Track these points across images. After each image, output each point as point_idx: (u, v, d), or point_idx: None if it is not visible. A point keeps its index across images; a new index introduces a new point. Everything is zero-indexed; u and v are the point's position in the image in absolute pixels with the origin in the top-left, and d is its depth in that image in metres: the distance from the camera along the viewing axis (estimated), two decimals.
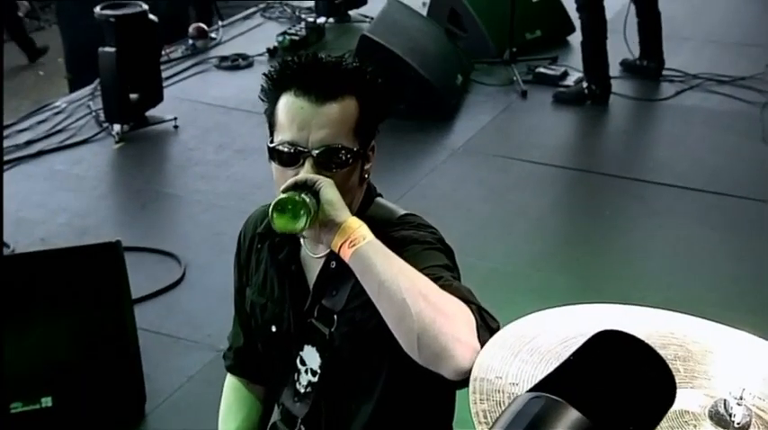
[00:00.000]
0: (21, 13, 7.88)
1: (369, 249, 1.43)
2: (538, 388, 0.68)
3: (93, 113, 5.30)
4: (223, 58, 6.04)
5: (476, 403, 0.82)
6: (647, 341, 0.84)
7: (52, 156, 4.92)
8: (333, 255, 1.57)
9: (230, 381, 1.96)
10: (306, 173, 1.53)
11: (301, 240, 1.69)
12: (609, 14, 5.37)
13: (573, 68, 5.72)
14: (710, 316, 1.05)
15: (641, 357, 0.71)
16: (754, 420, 0.83)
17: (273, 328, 1.75)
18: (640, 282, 3.83)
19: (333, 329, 1.65)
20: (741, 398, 0.81)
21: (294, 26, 6.40)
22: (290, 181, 1.50)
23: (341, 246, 1.45)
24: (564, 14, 6.16)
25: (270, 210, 1.47)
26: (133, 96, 4.95)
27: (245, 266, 1.83)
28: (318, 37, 6.37)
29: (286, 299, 1.71)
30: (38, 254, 3.05)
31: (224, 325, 3.55)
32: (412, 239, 1.60)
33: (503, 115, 5.39)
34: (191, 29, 6.25)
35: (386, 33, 5.36)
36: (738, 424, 0.83)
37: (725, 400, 0.81)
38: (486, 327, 1.31)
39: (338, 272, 1.54)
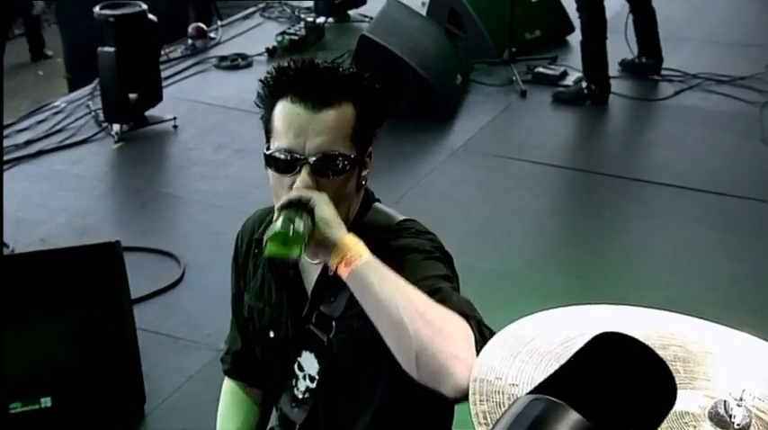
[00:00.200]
0: (36, 12, 7.89)
1: (365, 269, 1.42)
2: (538, 390, 0.68)
3: (93, 113, 5.30)
4: (222, 58, 6.04)
5: (476, 404, 0.82)
6: (647, 342, 0.84)
7: (52, 156, 4.91)
8: None
9: (228, 385, 1.95)
10: (302, 181, 1.52)
11: None
12: (609, 14, 5.37)
13: (572, 68, 5.72)
14: (710, 316, 1.04)
15: (641, 359, 0.71)
16: (754, 421, 0.83)
17: (271, 334, 1.74)
18: (640, 283, 3.83)
19: (331, 336, 1.64)
20: (741, 399, 0.81)
21: (293, 26, 6.40)
22: (284, 199, 1.49)
23: (337, 265, 1.44)
24: (563, 14, 6.16)
25: (264, 240, 1.47)
26: (132, 96, 4.95)
27: (243, 270, 1.82)
28: (318, 37, 6.37)
29: (284, 304, 1.70)
30: (37, 254, 3.05)
31: (223, 325, 3.55)
32: (411, 248, 1.60)
33: (502, 115, 5.39)
34: (190, 29, 6.25)
35: (385, 33, 5.36)
36: (738, 425, 0.83)
37: (725, 401, 0.81)
38: (485, 343, 1.31)
39: (336, 278, 1.54)
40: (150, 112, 5.17)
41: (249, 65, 6.02)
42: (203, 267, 3.94)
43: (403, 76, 5.22)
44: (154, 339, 3.44)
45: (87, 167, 4.84)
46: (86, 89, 5.61)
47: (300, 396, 1.73)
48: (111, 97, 4.98)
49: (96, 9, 4.94)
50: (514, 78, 5.61)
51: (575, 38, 5.81)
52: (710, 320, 1.02)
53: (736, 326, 0.98)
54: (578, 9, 5.39)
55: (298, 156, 1.53)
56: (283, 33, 6.24)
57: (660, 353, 0.83)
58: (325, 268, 1.64)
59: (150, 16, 5.00)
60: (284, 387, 1.75)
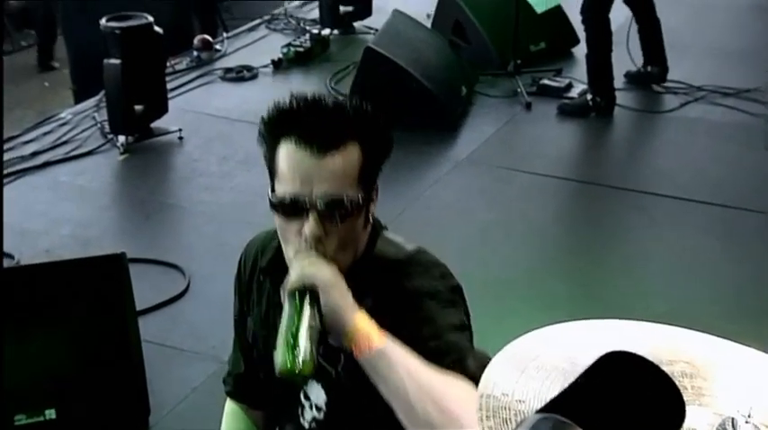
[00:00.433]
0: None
1: (376, 357, 1.41)
2: (546, 409, 0.67)
3: (98, 125, 5.31)
4: (228, 70, 6.06)
5: (482, 420, 0.82)
6: (653, 357, 0.84)
7: (57, 168, 4.93)
8: None
9: (230, 407, 1.93)
10: (310, 230, 1.49)
11: None
12: (613, 27, 5.38)
13: (577, 80, 5.73)
14: (714, 327, 1.04)
15: (649, 378, 0.71)
16: None
17: None
18: (643, 293, 3.83)
19: (339, 368, 1.62)
20: (749, 416, 0.81)
21: (299, 38, 6.42)
22: (289, 287, 1.46)
23: (350, 347, 1.44)
24: (568, 26, 6.17)
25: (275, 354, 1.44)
26: (138, 108, 4.97)
27: (246, 294, 1.79)
28: (323, 49, 6.39)
29: None
30: (42, 265, 3.05)
31: (228, 336, 3.54)
32: (425, 292, 1.57)
33: (507, 127, 5.39)
34: (195, 40, 6.27)
35: (390, 45, 5.37)
36: None
37: (733, 418, 0.81)
38: None
39: None
40: (156, 124, 5.18)
41: (255, 76, 6.04)
42: (208, 278, 3.94)
43: (408, 88, 5.23)
44: (158, 351, 3.44)
45: (92, 179, 4.85)
46: (92, 101, 5.62)
47: (307, 425, 1.70)
48: (116, 109, 5.00)
49: (102, 21, 4.96)
50: (519, 90, 5.62)
51: (580, 50, 5.81)
52: (717, 334, 1.01)
53: (744, 341, 0.98)
54: (583, 21, 5.40)
55: (305, 202, 1.50)
56: (289, 45, 6.25)
57: (667, 368, 0.83)
58: None
59: (156, 28, 5.02)
60: (290, 415, 1.73)
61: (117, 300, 2.96)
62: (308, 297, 1.44)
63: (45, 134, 5.27)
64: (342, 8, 6.63)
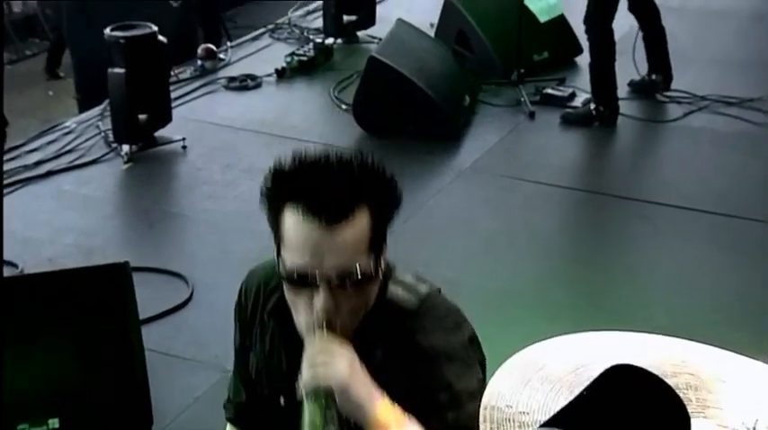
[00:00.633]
0: None
1: None
2: (551, 423, 0.67)
3: (102, 134, 5.32)
4: (231, 79, 6.07)
5: None
6: (658, 369, 0.84)
7: (60, 177, 4.93)
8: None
9: None
10: (323, 305, 1.44)
11: None
12: (618, 35, 5.39)
13: (580, 90, 5.73)
14: (717, 337, 1.04)
15: (654, 392, 0.71)
16: None
17: (282, 400, 1.66)
18: (647, 303, 3.82)
19: None
20: (754, 429, 0.81)
21: (302, 47, 6.43)
22: (304, 389, 1.42)
23: None
24: (572, 36, 6.17)
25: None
26: (142, 117, 4.98)
27: (249, 328, 1.73)
28: (326, 58, 6.40)
29: (296, 373, 1.58)
30: (45, 274, 3.05)
31: (231, 345, 3.56)
32: (441, 353, 1.53)
33: (510, 136, 5.40)
34: (199, 50, 6.29)
35: (394, 54, 5.38)
36: None
37: None
38: None
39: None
40: (159, 133, 5.19)
41: (258, 86, 6.05)
42: (211, 287, 3.94)
43: (411, 97, 5.24)
44: (162, 359, 3.44)
45: (96, 188, 4.86)
46: (96, 110, 5.63)
47: None
48: (120, 118, 5.01)
49: (107, 31, 4.97)
50: (522, 99, 5.62)
51: (583, 59, 5.82)
52: (721, 345, 1.01)
53: (748, 352, 0.97)
54: (587, 31, 5.41)
55: (315, 275, 1.44)
56: (292, 54, 6.27)
57: (671, 381, 0.82)
58: None
59: (160, 38, 5.03)
60: None
61: (120, 308, 2.95)
62: (324, 399, 1.40)
63: (49, 143, 5.28)
64: (345, 17, 6.64)
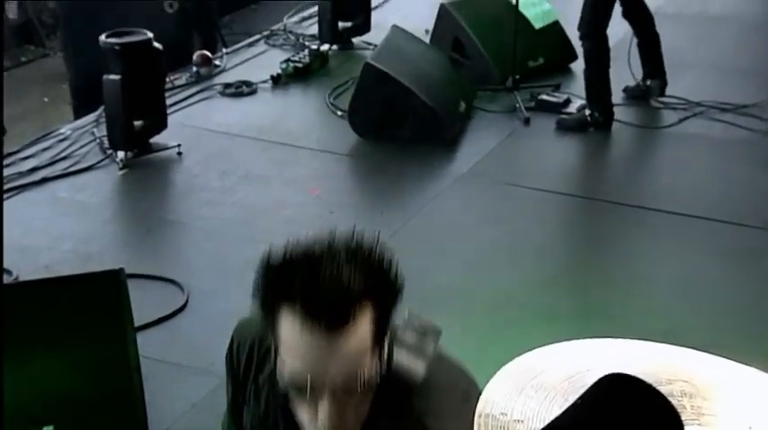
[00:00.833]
0: None
1: None
2: None
3: (98, 140, 5.32)
4: (227, 85, 6.07)
5: None
6: (653, 377, 0.84)
7: (56, 183, 4.93)
8: None
9: None
10: (325, 413, 1.34)
11: None
12: (612, 41, 5.40)
13: (576, 96, 5.74)
14: (715, 343, 1.04)
15: (648, 401, 0.71)
16: None
17: None
18: (644, 309, 3.82)
19: None
20: None
21: (298, 53, 6.43)
22: None
23: None
24: (567, 42, 6.19)
25: None
26: (137, 123, 4.97)
27: (242, 384, 1.63)
28: (322, 64, 6.40)
29: None
30: (40, 282, 3.05)
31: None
32: None
33: (506, 142, 5.40)
34: (195, 56, 6.29)
35: (389, 61, 5.39)
36: None
37: None
38: None
39: None
40: (155, 139, 5.18)
41: (254, 92, 6.05)
42: (207, 294, 3.94)
43: (407, 103, 5.25)
44: (157, 367, 3.43)
45: (92, 194, 4.85)
46: (91, 116, 5.63)
47: None
48: (116, 124, 5.01)
49: (102, 37, 4.97)
50: (518, 105, 5.63)
51: (578, 65, 5.83)
52: (716, 353, 1.01)
53: (744, 360, 0.98)
54: (581, 37, 5.42)
55: (317, 381, 1.34)
56: (288, 61, 6.27)
57: (666, 388, 0.83)
58: None
59: (155, 44, 5.03)
60: None
61: (115, 316, 2.95)
62: None
63: (44, 150, 5.27)
64: (341, 24, 6.64)
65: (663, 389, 0.79)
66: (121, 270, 2.95)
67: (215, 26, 7.36)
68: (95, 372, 2.95)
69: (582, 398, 0.69)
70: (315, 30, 6.84)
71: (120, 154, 5.05)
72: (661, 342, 1.03)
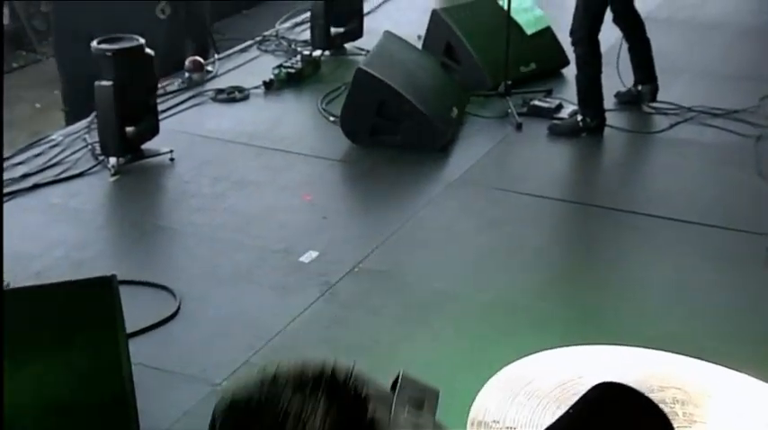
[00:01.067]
0: None
1: None
2: None
3: (90, 146, 5.30)
4: (219, 91, 6.06)
5: None
6: (645, 383, 0.84)
7: (48, 190, 4.91)
8: None
9: None
10: None
11: None
12: (604, 47, 5.41)
13: (567, 101, 5.75)
14: (708, 349, 1.04)
15: (640, 410, 0.71)
16: None
17: None
18: (637, 315, 3.82)
19: None
20: None
21: (290, 59, 6.43)
22: None
23: None
24: (558, 48, 6.20)
25: None
26: (129, 129, 4.96)
27: None
28: (314, 70, 6.40)
29: None
30: (31, 289, 3.04)
31: (219, 358, 3.55)
32: None
33: (498, 147, 5.41)
34: (187, 62, 6.28)
35: (382, 66, 5.39)
36: None
37: None
38: None
39: None
40: (147, 145, 5.17)
41: (246, 98, 6.04)
42: (199, 300, 3.93)
43: (399, 109, 5.25)
44: (149, 373, 3.43)
45: (84, 201, 4.84)
46: (83, 122, 5.62)
47: None
48: (108, 130, 4.99)
49: (94, 43, 4.96)
50: (510, 111, 5.64)
51: (570, 71, 5.84)
52: (709, 359, 1.01)
53: (735, 367, 0.98)
54: (573, 43, 5.43)
55: None
56: (280, 66, 6.27)
57: (658, 395, 0.83)
58: None
59: (147, 50, 5.03)
60: None
61: (107, 322, 2.94)
62: None
63: (36, 156, 5.26)
64: (333, 30, 6.65)
65: (655, 397, 0.79)
66: (113, 276, 2.94)
67: (207, 32, 7.35)
68: (87, 379, 2.94)
69: (574, 407, 0.69)
70: (307, 35, 6.84)
71: (113, 160, 5.04)
72: (654, 347, 1.03)
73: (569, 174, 5.43)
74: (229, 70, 6.47)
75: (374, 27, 6.63)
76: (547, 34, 6.29)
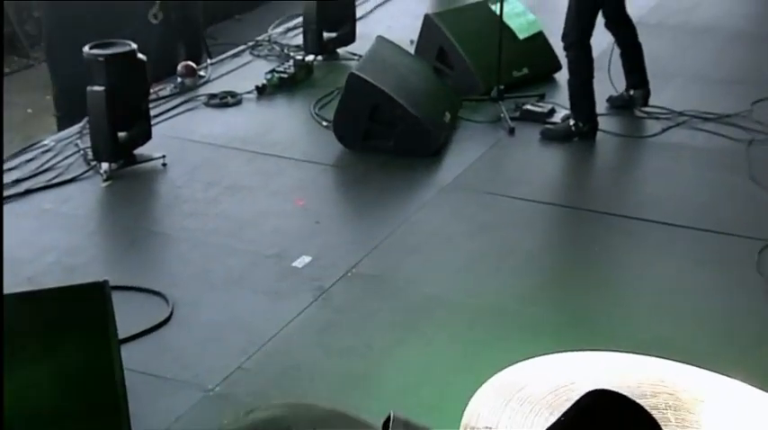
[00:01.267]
0: None
1: None
2: None
3: (82, 152, 5.29)
4: (212, 96, 6.06)
5: None
6: (637, 389, 0.84)
7: (40, 195, 4.90)
8: None
9: None
10: None
11: None
12: (595, 53, 5.43)
13: (560, 106, 5.77)
14: (700, 353, 1.05)
15: (631, 418, 0.71)
16: None
17: None
18: (630, 319, 3.83)
19: None
20: None
21: (283, 64, 6.43)
22: None
23: None
24: (551, 52, 6.21)
25: None
26: (122, 135, 4.96)
27: None
28: (307, 74, 6.41)
29: None
30: (22, 294, 3.03)
31: (212, 364, 3.55)
32: None
33: (491, 152, 5.42)
34: (179, 67, 6.27)
35: (374, 71, 5.39)
36: None
37: None
38: None
39: None
40: (139, 151, 5.17)
41: (239, 103, 6.04)
42: (192, 305, 3.93)
43: (391, 113, 5.26)
44: (142, 379, 3.42)
45: (76, 206, 4.83)
46: (75, 128, 5.61)
47: None
48: (100, 136, 4.99)
49: (86, 49, 4.95)
50: (503, 115, 5.65)
51: (562, 75, 5.86)
52: (701, 363, 1.02)
53: (728, 371, 0.98)
54: (565, 48, 5.45)
55: None
56: (273, 71, 6.27)
57: (650, 401, 0.83)
58: None
59: (140, 55, 5.02)
60: None
61: (99, 328, 2.93)
62: None
63: (28, 161, 5.25)
64: (326, 34, 6.65)
65: (647, 402, 0.79)
66: (106, 282, 2.93)
67: (200, 37, 7.35)
68: (79, 385, 2.93)
69: (565, 415, 0.69)
70: (300, 40, 6.85)
71: (105, 165, 5.03)
72: (646, 351, 1.03)
73: (562, 179, 5.44)
74: (222, 75, 6.47)
75: (367, 32, 6.64)
76: (539, 39, 6.30)
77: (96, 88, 4.89)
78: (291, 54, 6.68)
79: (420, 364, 3.55)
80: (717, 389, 0.91)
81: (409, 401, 3.31)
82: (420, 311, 3.90)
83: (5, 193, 4.86)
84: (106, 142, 4.97)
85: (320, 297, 3.98)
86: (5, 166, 5.18)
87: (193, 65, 6.37)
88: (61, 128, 5.98)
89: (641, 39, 5.66)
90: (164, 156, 5.19)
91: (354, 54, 6.60)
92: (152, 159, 5.18)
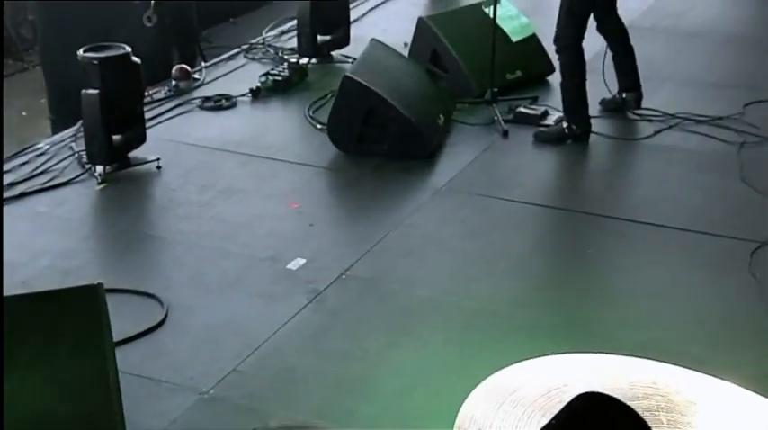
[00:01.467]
0: None
1: None
2: None
3: (76, 155, 5.29)
4: (206, 99, 6.06)
5: None
6: (630, 391, 0.85)
7: (34, 198, 4.90)
8: None
9: None
10: None
11: None
12: (588, 55, 5.44)
13: (553, 108, 5.78)
14: (694, 355, 1.05)
15: (623, 421, 0.71)
16: None
17: None
18: (624, 321, 3.84)
19: None
20: None
21: (277, 67, 6.43)
22: None
23: None
24: (544, 55, 6.23)
25: None
26: (116, 138, 4.96)
27: None
28: (301, 77, 6.41)
29: None
30: (17, 297, 3.03)
31: (206, 367, 3.55)
32: None
33: (484, 155, 5.43)
34: (174, 70, 6.28)
35: (368, 74, 5.40)
36: None
37: None
38: None
39: None
40: (134, 154, 5.17)
41: (233, 105, 6.04)
42: (187, 308, 3.93)
43: (385, 116, 5.26)
44: (136, 382, 3.42)
45: (71, 209, 4.83)
46: (69, 131, 5.60)
47: None
48: (94, 139, 4.99)
49: (80, 52, 4.96)
50: (496, 118, 5.66)
51: (555, 78, 5.87)
52: (693, 364, 1.03)
53: (720, 373, 0.99)
54: (557, 51, 5.47)
55: None
56: (267, 74, 6.27)
57: (643, 403, 0.84)
58: None
59: (134, 58, 5.02)
60: None
61: (94, 331, 2.93)
62: None
63: (22, 164, 5.25)
64: (320, 37, 6.66)
65: (639, 404, 0.80)
66: (100, 285, 2.94)
67: (194, 40, 7.35)
68: (73, 388, 2.93)
69: (556, 418, 0.70)
70: (294, 43, 6.85)
71: (99, 168, 5.03)
72: (640, 354, 1.04)
73: (555, 181, 5.45)
74: (216, 78, 6.47)
75: (361, 35, 6.65)
76: (532, 42, 6.32)
77: (91, 91, 4.89)
78: (286, 57, 6.69)
79: (414, 367, 3.56)
80: (709, 391, 0.92)
81: (403, 404, 3.32)
82: (414, 314, 3.91)
83: None
84: (101, 145, 4.97)
85: (314, 299, 3.99)
86: None
87: (188, 68, 6.37)
88: (56, 131, 5.98)
89: (634, 42, 5.68)
90: (158, 159, 5.19)
91: (348, 57, 6.61)
92: (146, 162, 5.18)
